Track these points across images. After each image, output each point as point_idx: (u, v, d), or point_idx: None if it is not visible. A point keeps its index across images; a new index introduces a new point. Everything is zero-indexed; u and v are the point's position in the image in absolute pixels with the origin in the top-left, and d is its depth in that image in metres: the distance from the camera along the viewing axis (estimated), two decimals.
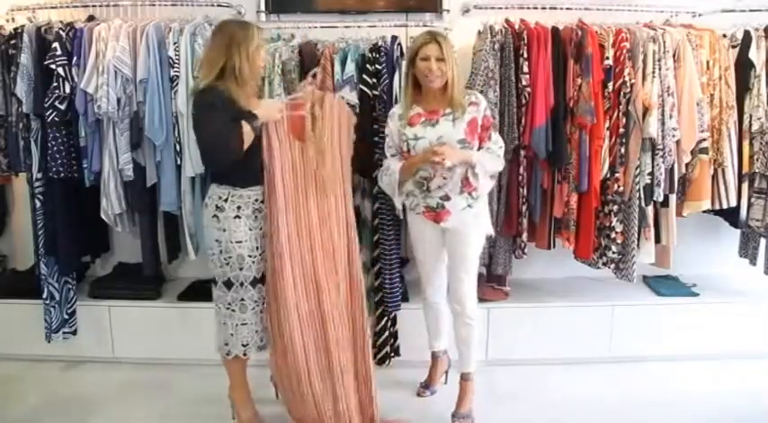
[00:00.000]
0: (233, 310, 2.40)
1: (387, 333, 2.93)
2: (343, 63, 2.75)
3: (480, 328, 2.66)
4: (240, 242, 2.32)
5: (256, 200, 2.34)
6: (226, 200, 2.31)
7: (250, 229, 2.34)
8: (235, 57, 2.22)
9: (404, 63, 2.74)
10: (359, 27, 2.95)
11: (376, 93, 2.75)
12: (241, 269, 2.35)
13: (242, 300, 2.39)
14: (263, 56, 2.35)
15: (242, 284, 2.37)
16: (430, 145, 2.37)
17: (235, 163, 2.23)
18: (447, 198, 2.43)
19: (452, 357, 2.82)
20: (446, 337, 2.76)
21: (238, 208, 2.31)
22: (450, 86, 2.37)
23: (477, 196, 2.45)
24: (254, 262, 2.36)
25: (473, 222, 2.48)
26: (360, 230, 2.87)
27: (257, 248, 2.36)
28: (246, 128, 2.21)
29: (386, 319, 2.91)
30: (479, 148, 2.42)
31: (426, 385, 2.84)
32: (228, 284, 2.37)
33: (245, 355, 2.44)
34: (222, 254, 2.33)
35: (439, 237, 2.54)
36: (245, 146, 2.21)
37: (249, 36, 2.25)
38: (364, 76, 2.74)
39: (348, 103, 2.71)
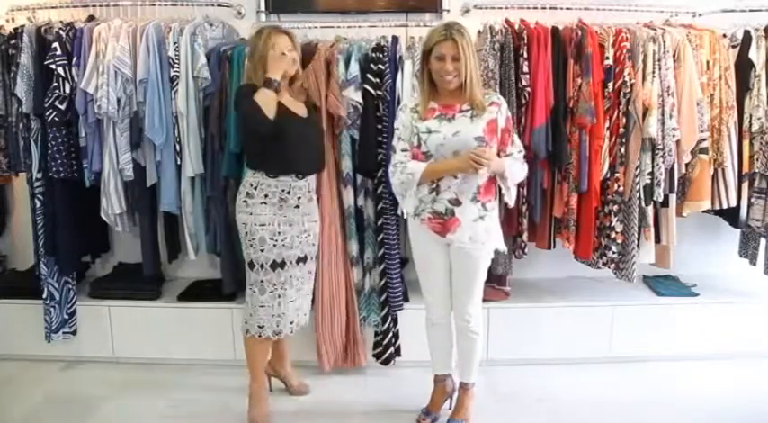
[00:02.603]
0: (253, 291, 2.54)
1: (391, 333, 2.93)
2: (347, 63, 2.75)
3: (481, 334, 2.53)
4: (264, 225, 2.48)
5: (283, 190, 2.48)
6: (255, 188, 2.47)
7: (274, 215, 2.49)
8: (254, 63, 2.44)
9: (409, 61, 2.77)
10: (359, 27, 2.96)
11: (379, 93, 2.75)
12: (262, 251, 2.49)
13: (261, 281, 2.51)
14: (274, 56, 2.40)
15: (262, 266, 2.50)
16: (444, 140, 2.25)
17: (269, 149, 2.42)
18: (457, 202, 2.29)
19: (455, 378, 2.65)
20: (453, 359, 2.61)
21: (266, 196, 2.47)
22: (469, 85, 2.24)
23: (491, 208, 2.35)
24: (274, 246, 2.49)
25: (484, 238, 2.33)
26: (362, 230, 2.89)
27: (279, 234, 2.50)
28: (260, 91, 2.35)
29: (390, 319, 2.92)
30: (499, 152, 2.31)
31: (428, 412, 2.62)
32: (251, 265, 2.52)
33: (260, 335, 2.54)
34: (247, 236, 2.50)
35: (445, 253, 2.39)
36: (266, 108, 2.33)
37: (255, 41, 2.44)
38: (368, 76, 2.74)
39: (351, 104, 2.72)
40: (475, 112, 2.28)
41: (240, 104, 2.40)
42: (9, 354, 3.12)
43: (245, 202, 2.48)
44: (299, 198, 2.52)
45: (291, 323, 2.58)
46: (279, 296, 2.53)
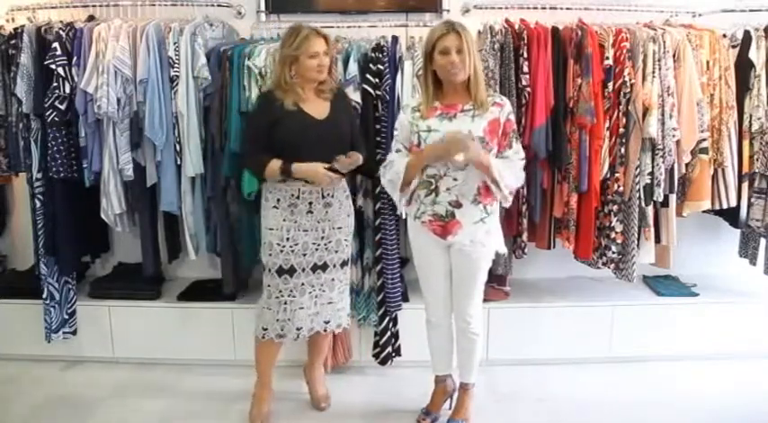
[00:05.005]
0: (264, 293, 2.54)
1: (389, 333, 2.93)
2: (346, 63, 2.76)
3: (482, 334, 2.54)
4: (272, 229, 2.47)
5: (292, 195, 2.45)
6: (270, 192, 2.48)
7: (284, 220, 2.46)
8: (283, 62, 2.40)
9: (408, 62, 2.76)
10: (359, 27, 2.96)
11: (379, 93, 2.75)
12: (270, 255, 2.48)
13: (268, 285, 2.51)
14: (302, 60, 2.37)
15: (269, 270, 2.49)
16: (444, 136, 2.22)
17: (279, 154, 2.41)
18: (458, 205, 2.27)
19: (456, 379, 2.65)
20: (453, 360, 2.61)
21: (277, 200, 2.47)
22: (474, 80, 2.23)
23: (492, 211, 2.32)
24: (281, 251, 2.47)
25: (485, 241, 2.32)
26: (362, 230, 2.89)
27: (288, 239, 2.46)
28: (273, 166, 2.38)
29: (387, 319, 2.91)
30: (498, 155, 2.28)
31: (428, 412, 2.62)
32: (264, 267, 2.53)
33: (263, 337, 2.53)
34: (262, 238, 2.53)
35: (445, 255, 2.37)
36: (267, 177, 2.43)
37: (284, 40, 2.41)
38: (367, 76, 2.74)
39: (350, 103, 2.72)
40: (477, 112, 2.26)
41: (249, 124, 2.53)
42: (9, 354, 3.12)
43: (263, 205, 2.52)
44: (310, 203, 2.46)
45: (299, 329, 2.52)
46: (285, 302, 2.48)
